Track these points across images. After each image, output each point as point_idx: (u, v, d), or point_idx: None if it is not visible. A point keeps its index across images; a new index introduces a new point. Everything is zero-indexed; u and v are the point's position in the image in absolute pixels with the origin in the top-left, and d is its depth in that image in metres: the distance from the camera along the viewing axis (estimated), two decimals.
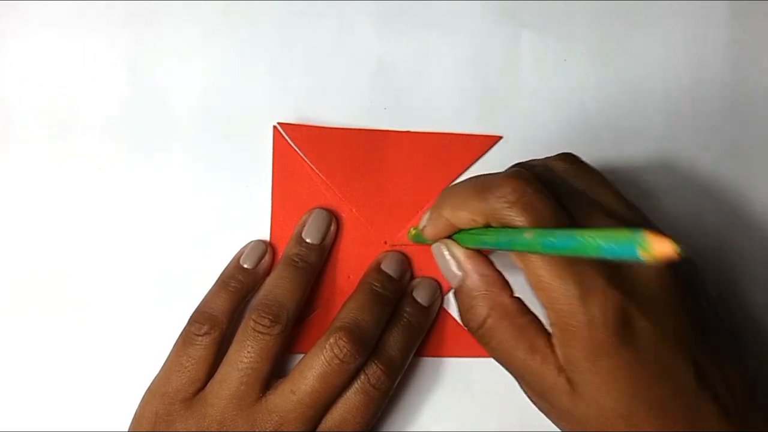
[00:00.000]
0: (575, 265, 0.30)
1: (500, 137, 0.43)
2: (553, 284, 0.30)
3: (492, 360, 0.41)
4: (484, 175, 0.33)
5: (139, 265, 0.42)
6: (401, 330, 0.39)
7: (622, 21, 0.44)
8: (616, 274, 0.30)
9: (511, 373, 0.34)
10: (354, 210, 0.42)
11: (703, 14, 0.44)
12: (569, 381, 0.31)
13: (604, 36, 0.43)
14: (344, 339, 0.37)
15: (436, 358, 0.42)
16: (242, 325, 0.38)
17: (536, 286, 0.31)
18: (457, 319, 0.42)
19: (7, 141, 0.42)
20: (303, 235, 0.41)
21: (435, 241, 0.36)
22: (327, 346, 0.37)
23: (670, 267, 0.31)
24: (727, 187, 0.43)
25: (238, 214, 0.42)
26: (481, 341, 0.34)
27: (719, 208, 0.43)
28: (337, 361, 0.36)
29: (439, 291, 0.41)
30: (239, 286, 0.40)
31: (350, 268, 0.42)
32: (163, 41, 0.43)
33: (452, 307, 0.42)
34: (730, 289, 0.43)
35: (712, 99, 0.43)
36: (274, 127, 0.42)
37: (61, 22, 0.43)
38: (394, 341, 0.39)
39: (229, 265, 0.41)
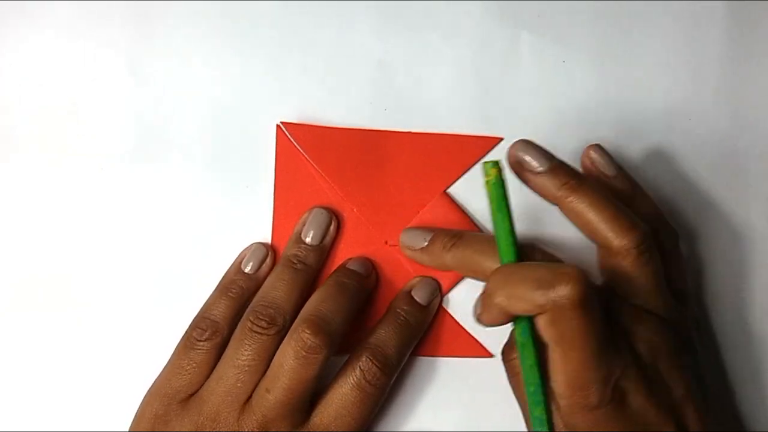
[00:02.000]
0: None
1: (501, 138, 0.43)
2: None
3: (490, 359, 0.42)
4: (541, 265, 0.34)
5: (140, 264, 0.42)
6: (397, 327, 0.39)
7: (621, 22, 0.44)
8: (617, 347, 0.34)
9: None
10: (355, 210, 0.42)
11: (702, 14, 0.44)
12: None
13: (603, 37, 0.44)
14: (307, 330, 0.37)
15: (434, 358, 0.42)
16: (239, 326, 0.39)
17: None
18: (456, 319, 0.42)
19: (7, 141, 0.42)
20: (302, 235, 0.41)
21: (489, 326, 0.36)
22: (292, 341, 0.37)
23: (667, 334, 0.35)
24: (726, 187, 0.43)
25: (239, 213, 0.42)
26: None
27: (718, 208, 0.43)
28: (303, 353, 0.36)
29: (438, 290, 0.42)
30: (240, 292, 0.40)
31: None
32: (163, 41, 0.43)
33: (451, 307, 0.42)
34: (728, 290, 0.43)
35: (711, 99, 0.44)
36: (277, 126, 0.42)
37: (62, 22, 0.42)
38: (389, 338, 0.39)
39: (230, 269, 0.41)
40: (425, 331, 0.42)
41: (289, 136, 0.42)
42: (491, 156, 0.43)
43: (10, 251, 0.42)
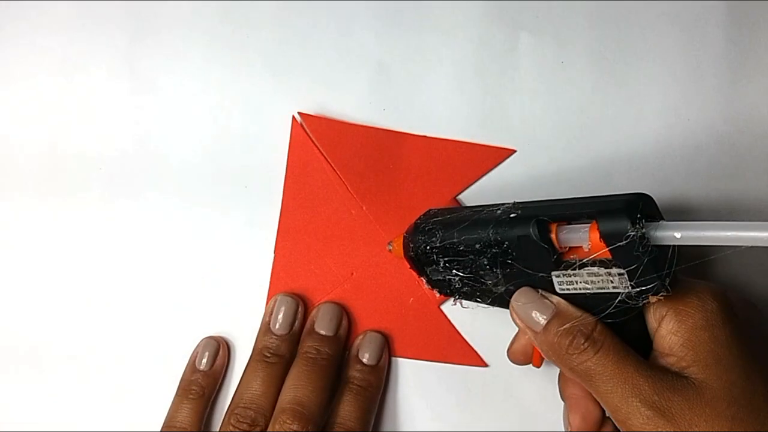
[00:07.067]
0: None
1: (514, 150, 0.43)
2: None
3: (491, 366, 0.42)
4: None
5: (139, 264, 0.42)
6: (353, 397, 0.39)
7: (619, 23, 0.44)
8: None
9: (608, 398, 0.32)
10: (363, 207, 0.42)
11: (701, 15, 0.44)
12: (688, 373, 0.31)
13: (602, 38, 0.43)
14: (289, 420, 0.37)
15: (427, 362, 0.42)
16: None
17: None
18: (455, 326, 0.42)
19: (5, 142, 0.42)
20: (270, 325, 0.40)
21: None
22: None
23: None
24: (726, 187, 0.43)
25: (239, 214, 0.42)
26: (584, 370, 0.33)
27: (718, 209, 0.43)
28: None
29: (385, 343, 0.41)
30: (200, 392, 0.40)
31: (354, 265, 0.42)
32: (163, 42, 0.42)
33: (451, 313, 0.42)
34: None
35: (710, 100, 0.44)
36: (293, 116, 0.42)
37: (62, 22, 0.42)
38: (349, 411, 0.39)
39: (185, 369, 0.41)
40: (423, 334, 0.41)
41: (304, 128, 0.41)
42: (503, 166, 0.42)
43: (8, 248, 0.42)
